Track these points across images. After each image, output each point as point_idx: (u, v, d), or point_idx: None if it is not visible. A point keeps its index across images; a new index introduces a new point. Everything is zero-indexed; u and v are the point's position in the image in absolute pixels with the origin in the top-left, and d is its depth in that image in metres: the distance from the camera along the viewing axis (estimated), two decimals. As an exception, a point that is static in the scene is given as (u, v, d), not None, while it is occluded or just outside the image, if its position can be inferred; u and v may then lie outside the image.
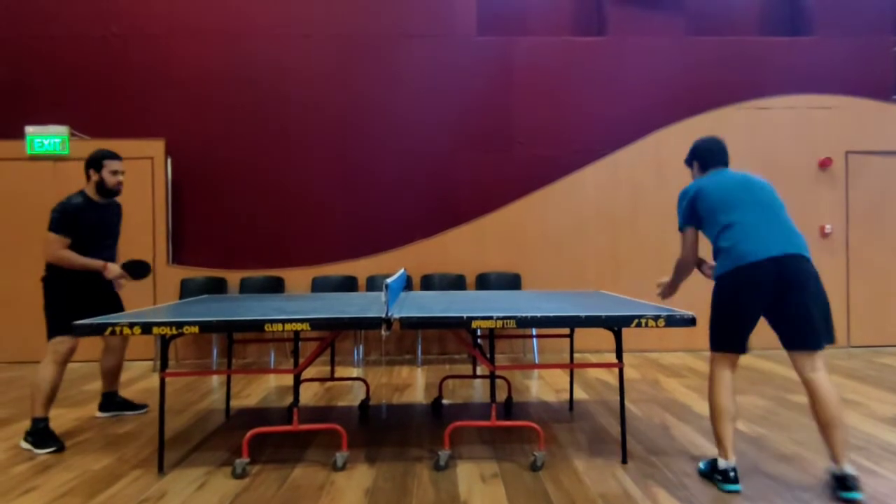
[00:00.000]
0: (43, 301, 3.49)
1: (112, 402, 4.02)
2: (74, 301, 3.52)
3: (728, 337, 2.75)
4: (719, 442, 2.70)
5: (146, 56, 6.16)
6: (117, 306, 3.81)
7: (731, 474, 2.64)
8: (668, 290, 3.17)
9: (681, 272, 3.04)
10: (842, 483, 2.51)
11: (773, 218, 2.75)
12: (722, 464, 2.67)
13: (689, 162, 3.21)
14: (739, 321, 2.70)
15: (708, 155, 3.12)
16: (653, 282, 6.20)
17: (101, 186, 3.60)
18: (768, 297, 2.65)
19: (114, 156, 3.63)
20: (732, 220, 2.77)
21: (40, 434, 3.32)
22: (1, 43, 6.12)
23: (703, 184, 2.92)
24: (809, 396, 2.60)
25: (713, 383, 2.77)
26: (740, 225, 2.74)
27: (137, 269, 3.67)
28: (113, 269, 3.55)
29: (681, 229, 2.97)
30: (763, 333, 6.30)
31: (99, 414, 3.99)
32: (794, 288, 2.60)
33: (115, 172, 3.61)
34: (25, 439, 3.34)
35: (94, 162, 3.58)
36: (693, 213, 2.93)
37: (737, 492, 2.62)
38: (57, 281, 3.49)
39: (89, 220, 3.55)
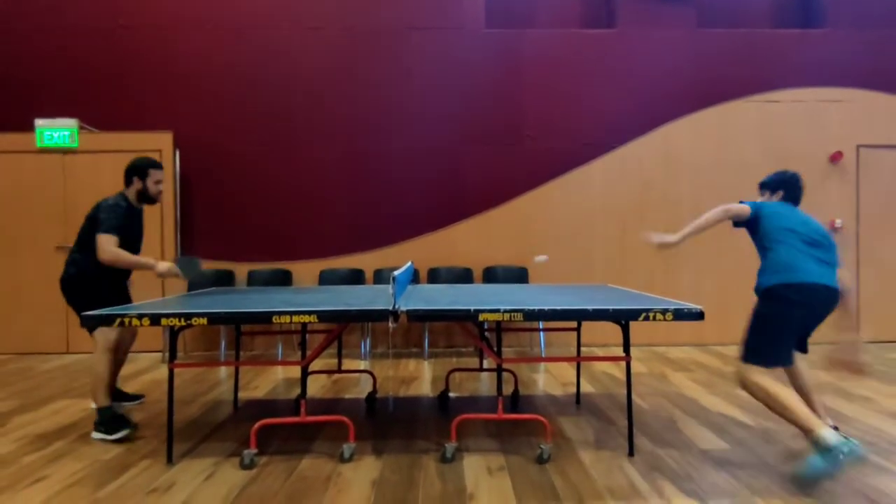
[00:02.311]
0: (70, 301, 3.57)
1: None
2: (106, 297, 3.61)
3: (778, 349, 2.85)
4: (804, 425, 2.58)
5: (154, 48, 6.16)
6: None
7: (838, 438, 2.48)
8: (681, 239, 3.03)
9: (710, 225, 2.99)
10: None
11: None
12: (824, 440, 2.48)
13: (773, 188, 3.24)
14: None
15: (796, 190, 3.21)
16: (661, 275, 6.19)
17: (143, 194, 3.66)
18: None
19: (158, 165, 3.67)
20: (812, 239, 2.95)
21: (110, 421, 3.37)
22: (10, 36, 6.14)
23: (779, 206, 3.06)
24: (795, 379, 3.06)
25: (767, 394, 2.70)
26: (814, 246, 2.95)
27: (188, 266, 3.67)
28: (162, 265, 3.57)
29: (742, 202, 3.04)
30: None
31: (94, 405, 3.98)
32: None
33: (158, 182, 3.67)
34: (97, 430, 3.36)
35: (140, 170, 3.62)
36: (758, 216, 3.04)
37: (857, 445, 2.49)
38: (85, 280, 3.55)
39: (130, 225, 3.62)
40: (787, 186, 3.20)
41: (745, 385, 2.80)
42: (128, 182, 3.66)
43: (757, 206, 3.05)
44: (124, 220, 3.55)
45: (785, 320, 2.82)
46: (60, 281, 3.59)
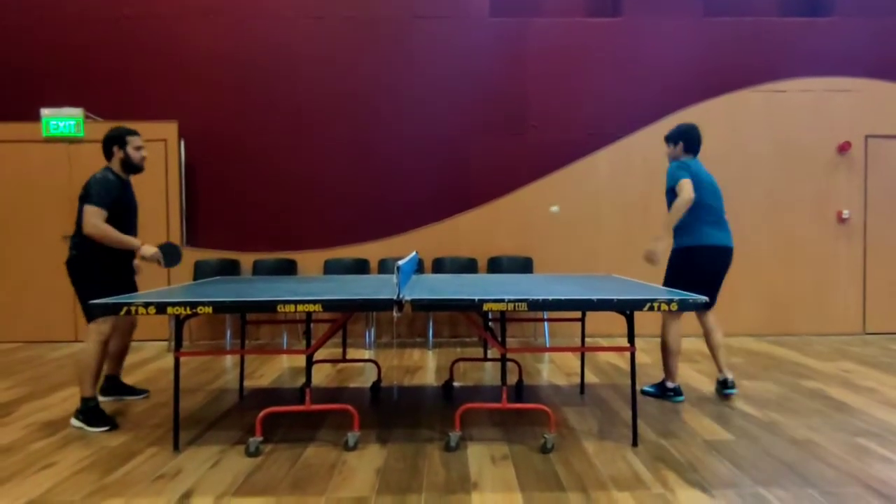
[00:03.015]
0: (73, 284, 3.49)
1: (114, 385, 3.95)
2: (105, 281, 3.49)
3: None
4: (671, 371, 3.82)
5: (158, 38, 6.15)
6: (133, 291, 3.77)
7: (679, 390, 3.85)
8: (665, 241, 3.67)
9: (682, 212, 3.63)
10: (724, 385, 3.75)
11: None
12: (672, 384, 3.84)
13: (674, 140, 3.87)
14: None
15: (695, 142, 3.83)
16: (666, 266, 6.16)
17: (127, 163, 3.56)
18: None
19: (135, 132, 3.60)
20: (716, 205, 3.76)
21: (91, 413, 3.34)
22: (15, 26, 6.14)
23: (696, 168, 3.75)
24: (713, 334, 3.80)
25: (676, 332, 3.78)
26: (718, 213, 3.77)
27: (171, 254, 3.61)
28: (148, 249, 3.48)
29: (682, 178, 3.65)
30: (774, 320, 6.24)
31: (100, 397, 3.87)
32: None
33: (138, 148, 3.58)
34: (77, 417, 3.36)
35: (118, 139, 3.53)
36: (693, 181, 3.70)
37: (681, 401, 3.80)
38: (85, 262, 3.46)
39: (122, 198, 3.52)
40: (685, 138, 3.81)
41: (666, 327, 3.77)
42: (108, 154, 3.56)
43: (690, 174, 3.67)
44: (115, 194, 3.44)
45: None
46: (65, 263, 3.52)
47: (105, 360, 3.50)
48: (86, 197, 3.42)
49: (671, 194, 3.77)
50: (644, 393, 3.95)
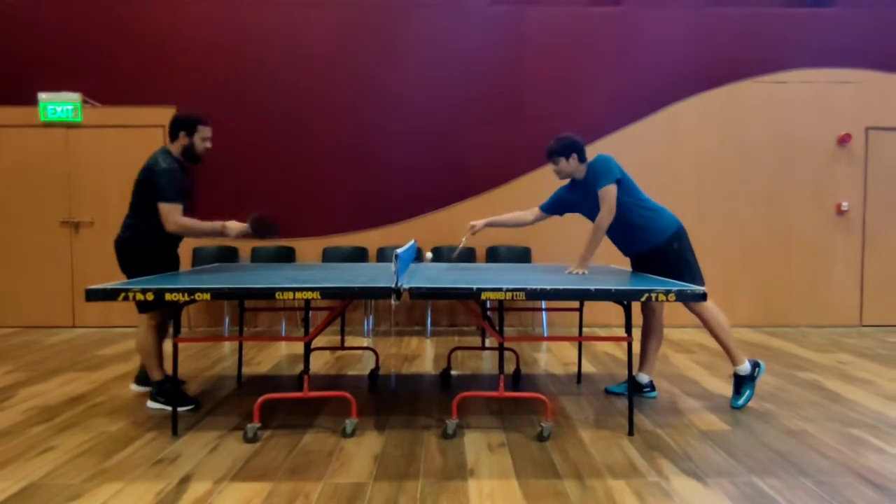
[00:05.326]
0: (121, 264, 3.40)
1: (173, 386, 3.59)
2: (154, 262, 3.42)
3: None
4: (734, 351, 3.40)
5: (157, 23, 6.10)
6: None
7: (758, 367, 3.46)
8: (588, 258, 3.49)
9: (605, 230, 3.41)
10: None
11: None
12: (748, 367, 3.42)
13: (567, 154, 3.51)
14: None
15: (584, 150, 3.57)
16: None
17: (189, 151, 3.46)
18: None
19: (207, 121, 3.48)
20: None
21: (170, 394, 3.31)
22: (13, 9, 6.08)
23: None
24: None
25: (718, 313, 3.39)
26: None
27: (263, 227, 3.50)
28: (233, 228, 3.37)
29: (611, 182, 3.36)
30: (771, 312, 6.26)
31: (133, 387, 3.75)
32: None
33: (205, 139, 3.48)
34: (156, 400, 3.39)
35: (188, 125, 3.42)
36: (621, 174, 3.42)
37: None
38: (136, 246, 3.38)
39: (189, 186, 3.44)
40: (578, 148, 3.52)
41: (709, 310, 3.38)
42: (173, 137, 3.44)
43: (619, 173, 3.39)
44: (184, 184, 3.36)
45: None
46: (115, 242, 3.40)
47: (163, 342, 3.46)
48: (150, 186, 3.31)
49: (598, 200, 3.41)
50: (735, 407, 3.44)
